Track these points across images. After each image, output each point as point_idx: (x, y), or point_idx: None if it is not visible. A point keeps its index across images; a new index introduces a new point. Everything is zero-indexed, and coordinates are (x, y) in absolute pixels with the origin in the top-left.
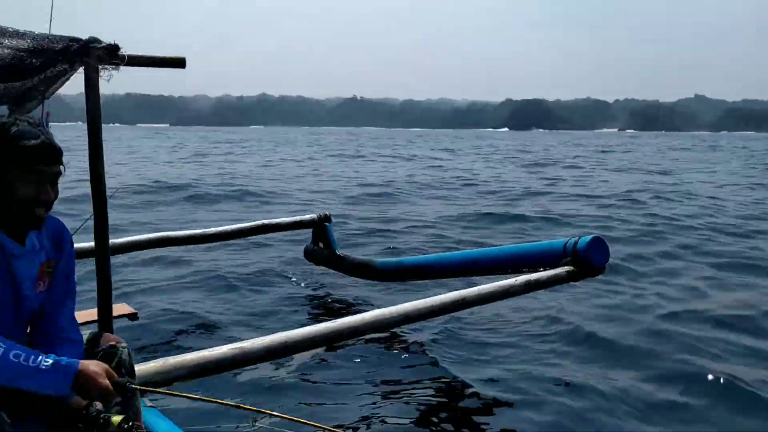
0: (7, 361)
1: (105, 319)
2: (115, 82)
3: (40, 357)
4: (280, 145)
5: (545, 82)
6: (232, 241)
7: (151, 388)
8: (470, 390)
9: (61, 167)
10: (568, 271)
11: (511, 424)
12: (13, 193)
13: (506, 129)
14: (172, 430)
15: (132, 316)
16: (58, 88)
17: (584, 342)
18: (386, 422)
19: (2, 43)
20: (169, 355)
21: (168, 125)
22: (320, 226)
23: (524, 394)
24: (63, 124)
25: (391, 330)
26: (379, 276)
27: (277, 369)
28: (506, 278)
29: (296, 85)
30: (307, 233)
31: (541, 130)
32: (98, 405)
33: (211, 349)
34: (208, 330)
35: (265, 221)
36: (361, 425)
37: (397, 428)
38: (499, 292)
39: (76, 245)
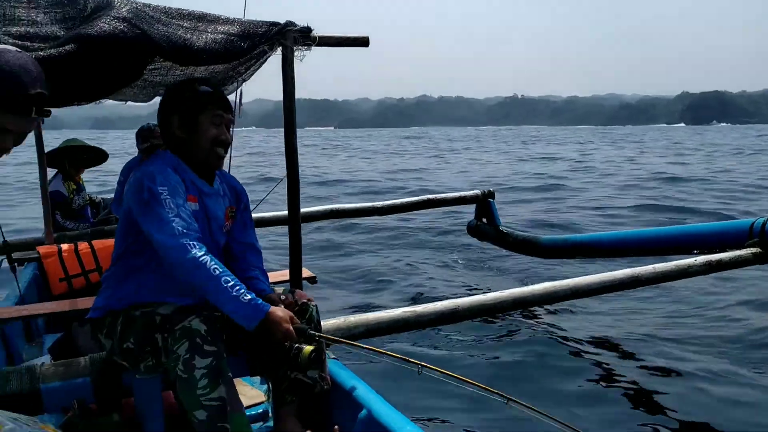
0: (220, 283)
1: (296, 278)
2: (280, 89)
3: (243, 290)
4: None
5: (724, 74)
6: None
7: (327, 336)
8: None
9: (231, 118)
10: (754, 253)
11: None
12: (203, 132)
13: (682, 124)
14: (353, 379)
15: (311, 280)
16: (255, 71)
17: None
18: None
19: (216, 29)
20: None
21: (332, 128)
22: (484, 202)
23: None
24: (240, 129)
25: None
26: (544, 253)
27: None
28: (684, 257)
29: (455, 85)
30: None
31: (723, 123)
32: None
33: (387, 310)
34: (379, 294)
35: (430, 196)
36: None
37: (565, 398)
38: (676, 271)
39: (271, 213)
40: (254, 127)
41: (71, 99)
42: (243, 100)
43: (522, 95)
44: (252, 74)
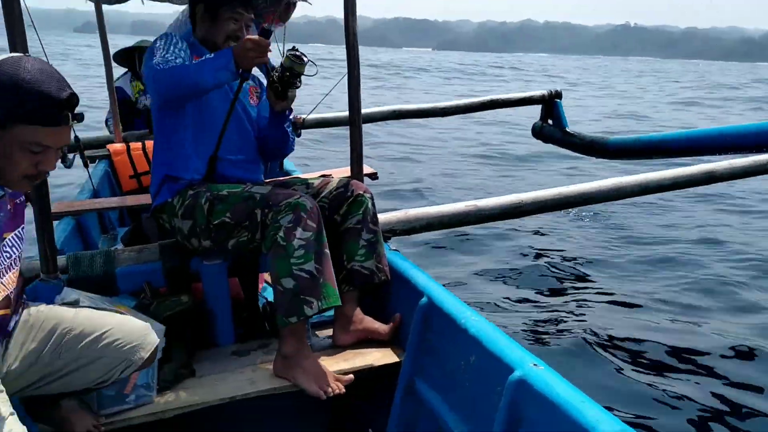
0: (186, 66)
1: (357, 172)
2: (386, 5)
3: (205, 56)
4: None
5: None
6: (462, 116)
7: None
8: None
9: (250, 17)
10: None
11: None
12: (221, 26)
13: None
14: (413, 268)
15: (372, 176)
16: None
17: None
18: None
19: None
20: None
21: (430, 49)
22: (550, 103)
23: None
24: (338, 46)
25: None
26: (612, 154)
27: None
28: (763, 153)
29: (563, 9)
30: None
31: None
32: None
33: (448, 204)
34: (437, 191)
35: (494, 97)
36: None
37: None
38: (754, 167)
39: (333, 114)
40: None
41: None
42: (340, 15)
43: (635, 23)
44: None
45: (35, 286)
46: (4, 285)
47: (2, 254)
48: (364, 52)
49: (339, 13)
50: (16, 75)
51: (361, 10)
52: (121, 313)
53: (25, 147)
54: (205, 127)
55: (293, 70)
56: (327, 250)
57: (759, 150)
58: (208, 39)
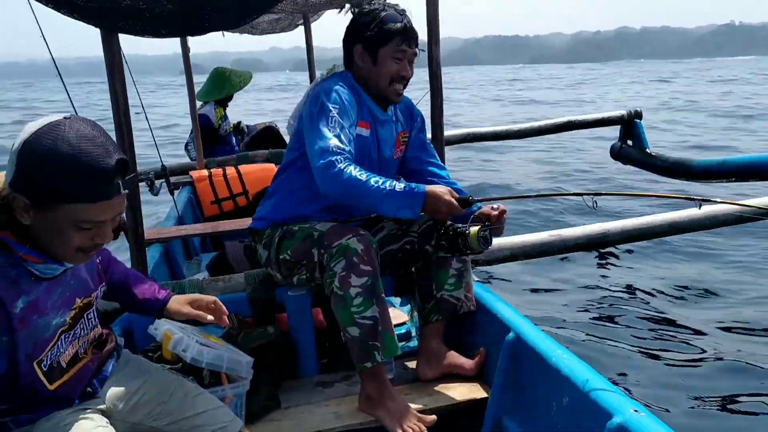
0: (369, 185)
1: None
2: (470, 26)
3: (395, 182)
4: None
5: None
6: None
7: (492, 197)
8: None
9: (418, 50)
10: None
11: None
12: (383, 67)
13: None
14: (499, 301)
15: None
16: None
17: None
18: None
19: None
20: None
21: (522, 65)
22: (629, 123)
23: None
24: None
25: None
26: (697, 176)
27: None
28: None
29: (660, 13)
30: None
31: None
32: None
33: (531, 234)
34: (521, 219)
35: (571, 118)
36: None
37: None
38: None
39: None
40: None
41: (219, 23)
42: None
43: (740, 22)
44: None
45: (128, 316)
46: (84, 349)
47: (85, 322)
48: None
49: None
50: (55, 148)
51: (450, 30)
52: (210, 344)
53: (76, 226)
54: None
55: (475, 251)
56: (383, 294)
57: None
58: (371, 83)
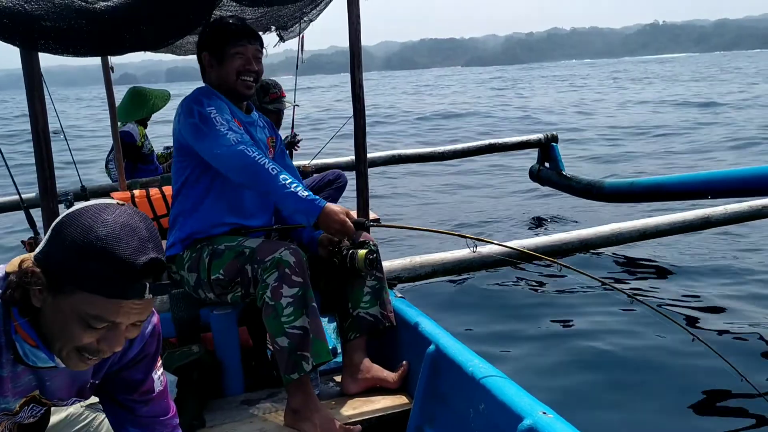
0: (279, 181)
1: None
2: (410, 29)
3: (301, 187)
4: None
5: None
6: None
7: (384, 224)
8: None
9: (262, 49)
10: None
11: None
12: (229, 63)
13: None
14: (420, 315)
15: (376, 221)
16: (320, 12)
17: None
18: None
19: None
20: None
21: (460, 66)
22: (546, 147)
23: None
24: (368, 73)
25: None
26: (608, 197)
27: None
28: (758, 198)
29: (588, 14)
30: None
31: None
32: (346, 243)
33: (451, 251)
34: (441, 238)
35: (492, 141)
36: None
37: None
38: (749, 212)
39: (334, 159)
40: (375, 72)
41: (139, 45)
42: (369, 43)
43: (663, 21)
44: (318, 14)
45: None
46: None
47: (31, 410)
48: (392, 77)
49: (366, 42)
50: (90, 230)
51: (388, 35)
52: None
53: (84, 320)
54: (240, 198)
55: (361, 270)
56: (314, 304)
57: (753, 195)
58: (220, 83)
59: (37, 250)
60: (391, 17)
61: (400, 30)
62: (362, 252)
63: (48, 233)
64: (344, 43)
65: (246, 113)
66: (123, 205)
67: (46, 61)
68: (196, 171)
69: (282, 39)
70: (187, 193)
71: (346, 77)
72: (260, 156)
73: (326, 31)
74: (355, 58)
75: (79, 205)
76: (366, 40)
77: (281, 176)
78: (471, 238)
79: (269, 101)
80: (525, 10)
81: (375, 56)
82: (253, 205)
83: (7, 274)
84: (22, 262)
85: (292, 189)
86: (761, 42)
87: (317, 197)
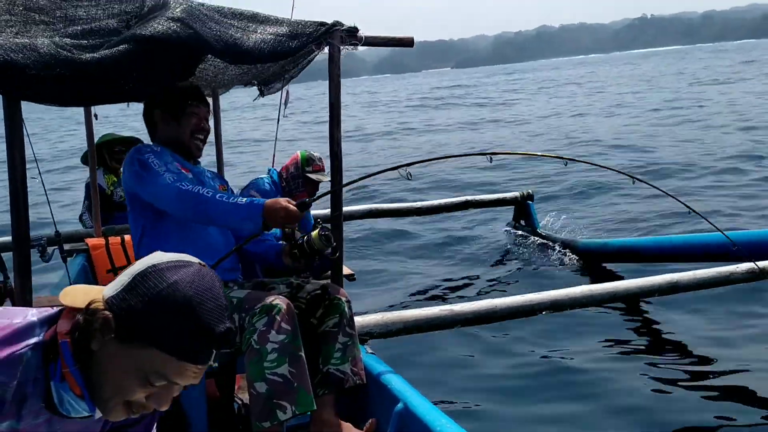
0: (216, 201)
1: (336, 275)
2: (398, 32)
3: (238, 197)
4: None
5: None
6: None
7: (316, 199)
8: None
9: (209, 109)
10: None
11: None
12: (184, 123)
13: None
14: (390, 373)
15: (350, 277)
16: (302, 69)
17: None
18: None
19: (266, 30)
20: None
21: (450, 68)
22: (522, 205)
23: None
24: (357, 78)
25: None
26: (582, 256)
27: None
28: (726, 264)
29: (577, 10)
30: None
31: None
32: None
33: (424, 308)
34: (416, 294)
35: (468, 197)
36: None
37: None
38: (717, 278)
39: (317, 212)
40: (366, 76)
41: (125, 97)
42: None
43: (652, 14)
44: (299, 71)
45: None
46: None
47: None
48: (383, 80)
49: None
50: (176, 287)
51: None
52: None
53: (145, 376)
54: (201, 236)
55: (321, 250)
56: (302, 354)
57: (721, 259)
58: (173, 139)
59: (109, 293)
60: (380, 21)
61: (388, 34)
62: (315, 232)
63: (127, 280)
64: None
65: (195, 164)
66: (201, 264)
67: None
68: (150, 218)
69: (262, 94)
70: (149, 243)
71: (347, 82)
72: (195, 187)
73: None
74: (335, 116)
75: (161, 256)
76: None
77: (217, 196)
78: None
79: (312, 171)
80: (513, 9)
81: (366, 60)
82: (219, 242)
83: (56, 314)
84: (90, 303)
85: (231, 201)
86: (749, 32)
87: (254, 198)
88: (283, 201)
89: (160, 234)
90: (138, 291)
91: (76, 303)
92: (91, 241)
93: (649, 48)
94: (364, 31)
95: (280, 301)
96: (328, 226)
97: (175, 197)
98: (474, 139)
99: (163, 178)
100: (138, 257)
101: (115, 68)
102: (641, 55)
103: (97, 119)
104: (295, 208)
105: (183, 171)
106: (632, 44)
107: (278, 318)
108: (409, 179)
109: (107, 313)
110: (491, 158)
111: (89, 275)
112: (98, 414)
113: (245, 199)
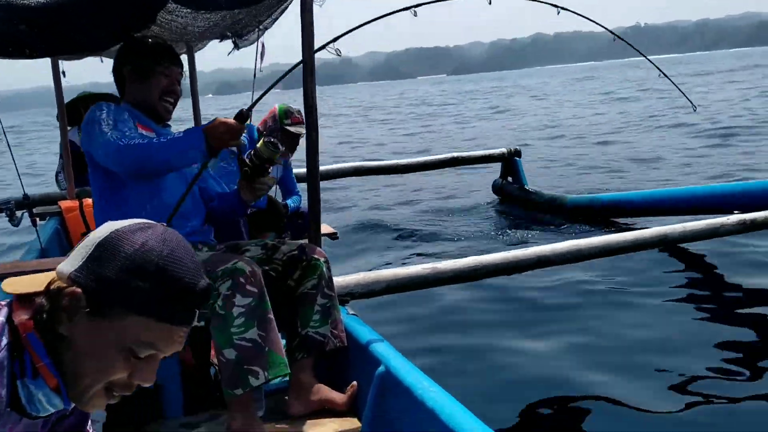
0: (152, 144)
1: (314, 234)
2: (395, 38)
3: (174, 134)
4: None
5: None
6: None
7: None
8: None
9: (182, 71)
10: None
11: None
12: (154, 83)
13: None
14: (371, 334)
15: (332, 236)
16: (276, 19)
17: None
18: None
19: None
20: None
21: (445, 75)
22: (510, 161)
23: None
24: (351, 84)
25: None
26: (570, 213)
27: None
28: (716, 216)
29: (571, 19)
30: None
31: None
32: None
33: (406, 266)
34: (400, 252)
35: (455, 154)
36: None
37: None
38: (707, 230)
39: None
40: (362, 83)
41: (80, 48)
42: (355, 55)
43: (645, 23)
44: (273, 22)
45: None
46: None
47: None
48: (377, 88)
49: (351, 52)
50: (148, 248)
51: (373, 46)
52: None
53: (127, 348)
54: (160, 195)
55: (270, 158)
56: (271, 316)
57: (711, 212)
58: (141, 100)
59: (69, 269)
60: (376, 27)
61: (385, 40)
62: (260, 142)
63: (88, 251)
64: (329, 54)
65: (162, 127)
66: (163, 225)
67: None
68: (107, 180)
69: (237, 47)
70: (106, 207)
71: (331, 90)
72: (134, 140)
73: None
74: (308, 67)
75: (119, 222)
76: (352, 50)
77: (154, 140)
78: None
79: (290, 123)
80: (508, 16)
81: (361, 66)
82: (186, 205)
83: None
84: (50, 284)
85: (171, 137)
86: (743, 41)
87: (192, 127)
88: (221, 119)
89: (119, 198)
90: (107, 258)
91: (23, 290)
92: (64, 204)
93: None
94: (362, 37)
95: (243, 263)
96: (273, 139)
97: (113, 153)
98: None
99: (106, 137)
100: (97, 223)
101: (72, 15)
102: (635, 63)
103: (65, 77)
104: (233, 120)
105: (144, 131)
106: (626, 52)
107: (242, 280)
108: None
109: (75, 288)
110: None
111: (63, 239)
112: (71, 407)
113: (182, 132)
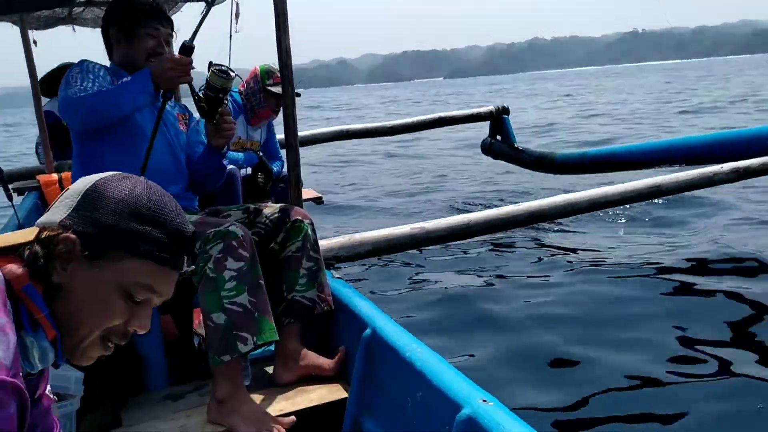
0: (101, 92)
1: (295, 194)
2: (392, 41)
3: (122, 80)
4: None
5: None
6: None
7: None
8: None
9: (173, 32)
10: None
11: None
12: (140, 44)
13: None
14: (357, 297)
15: (317, 200)
16: None
17: None
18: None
19: None
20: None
21: (441, 78)
22: (498, 119)
23: None
24: (351, 86)
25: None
26: (560, 169)
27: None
28: (709, 166)
29: (569, 23)
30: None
31: None
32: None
33: (394, 227)
34: (387, 215)
35: (442, 114)
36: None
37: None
38: (700, 179)
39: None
40: (361, 85)
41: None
42: (352, 56)
43: (643, 29)
44: None
45: None
46: None
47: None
48: (374, 90)
49: (349, 55)
50: (137, 194)
51: (370, 48)
52: None
53: (126, 290)
54: (131, 153)
55: (223, 87)
56: (262, 282)
57: (703, 162)
58: (128, 61)
59: (59, 216)
60: (373, 30)
61: (382, 42)
62: (209, 72)
63: (75, 200)
64: (327, 56)
65: None
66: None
67: None
68: (82, 140)
69: (209, 5)
70: (82, 170)
71: (330, 92)
72: (85, 92)
73: (309, 45)
74: (281, 23)
75: (99, 175)
76: (349, 53)
77: (102, 89)
78: None
79: (273, 84)
80: (505, 20)
81: (358, 69)
82: (167, 164)
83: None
84: (40, 232)
85: (120, 84)
86: (740, 48)
87: (138, 72)
88: (166, 55)
89: (99, 164)
90: (98, 205)
91: (3, 243)
92: (42, 178)
93: (641, 62)
94: (359, 39)
95: (236, 226)
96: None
97: (67, 108)
98: None
99: (64, 93)
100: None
101: None
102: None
103: (36, 46)
104: (177, 56)
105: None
106: (623, 58)
107: (235, 244)
108: None
109: (69, 234)
110: None
111: (42, 214)
112: (63, 362)
113: (129, 77)
